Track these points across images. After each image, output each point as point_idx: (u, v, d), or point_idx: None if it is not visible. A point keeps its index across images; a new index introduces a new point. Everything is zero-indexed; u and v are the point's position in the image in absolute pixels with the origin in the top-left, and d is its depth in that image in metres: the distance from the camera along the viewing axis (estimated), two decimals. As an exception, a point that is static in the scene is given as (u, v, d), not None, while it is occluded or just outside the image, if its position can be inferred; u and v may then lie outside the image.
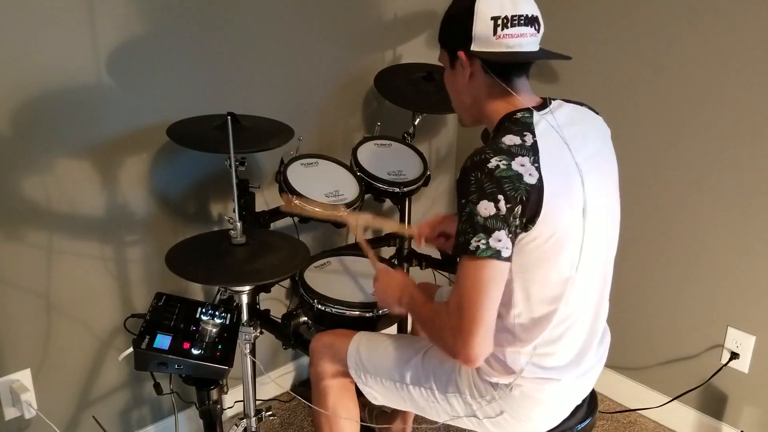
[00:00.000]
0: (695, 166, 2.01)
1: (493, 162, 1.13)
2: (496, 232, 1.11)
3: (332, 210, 1.70)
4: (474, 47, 1.22)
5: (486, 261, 1.12)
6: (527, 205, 1.13)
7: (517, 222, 1.13)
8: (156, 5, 1.73)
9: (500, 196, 1.11)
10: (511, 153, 1.14)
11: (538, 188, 1.13)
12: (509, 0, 1.20)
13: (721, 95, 1.92)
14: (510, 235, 1.13)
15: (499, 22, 1.19)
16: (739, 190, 1.93)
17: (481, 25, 1.19)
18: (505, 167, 1.12)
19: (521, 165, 1.13)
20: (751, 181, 1.90)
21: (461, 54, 1.24)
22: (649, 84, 2.06)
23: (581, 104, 1.33)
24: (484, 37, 1.20)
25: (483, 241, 1.11)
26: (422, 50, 2.37)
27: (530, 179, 1.13)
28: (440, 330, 1.21)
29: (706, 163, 1.99)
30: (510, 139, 1.16)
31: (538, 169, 1.14)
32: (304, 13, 2.03)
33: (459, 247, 1.14)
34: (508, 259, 1.13)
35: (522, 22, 1.21)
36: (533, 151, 1.15)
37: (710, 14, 1.89)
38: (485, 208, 1.11)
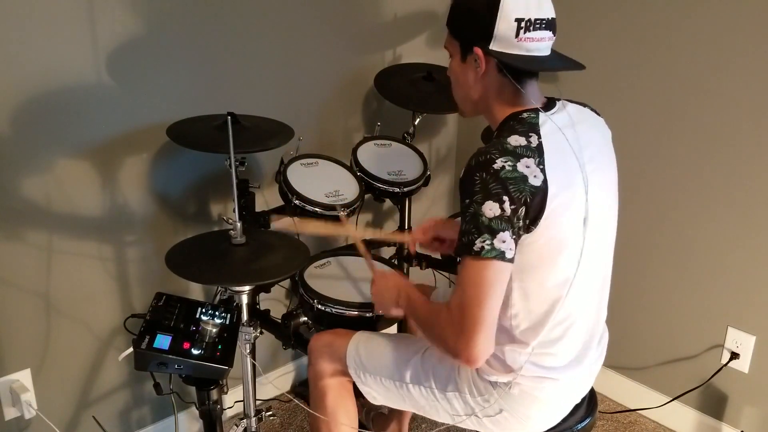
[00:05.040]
0: (695, 166, 2.01)
1: (499, 163, 1.12)
2: (501, 233, 1.11)
3: (333, 228, 1.70)
4: (493, 47, 1.18)
5: (490, 261, 1.11)
6: (531, 207, 1.12)
7: (521, 224, 1.13)
8: (156, 5, 1.73)
9: (505, 197, 1.11)
10: (516, 154, 1.14)
11: (543, 190, 1.13)
12: (535, 1, 1.17)
13: (721, 95, 1.91)
14: (514, 237, 1.12)
15: (523, 24, 1.16)
16: (739, 190, 1.93)
17: (505, 25, 1.16)
18: (510, 168, 1.12)
19: (526, 167, 1.13)
20: (751, 181, 1.90)
21: (478, 51, 1.20)
22: (648, 84, 2.06)
23: (584, 105, 1.33)
24: (505, 38, 1.17)
25: (488, 242, 1.10)
26: (422, 50, 2.37)
27: (535, 181, 1.13)
28: (441, 330, 1.20)
29: (706, 163, 1.98)
30: (515, 140, 1.16)
31: (543, 171, 1.14)
32: (304, 13, 2.03)
33: (462, 248, 1.14)
34: (511, 260, 1.13)
35: (543, 25, 1.18)
36: (538, 153, 1.15)
37: (709, 14, 1.89)
38: (490, 208, 1.11)
